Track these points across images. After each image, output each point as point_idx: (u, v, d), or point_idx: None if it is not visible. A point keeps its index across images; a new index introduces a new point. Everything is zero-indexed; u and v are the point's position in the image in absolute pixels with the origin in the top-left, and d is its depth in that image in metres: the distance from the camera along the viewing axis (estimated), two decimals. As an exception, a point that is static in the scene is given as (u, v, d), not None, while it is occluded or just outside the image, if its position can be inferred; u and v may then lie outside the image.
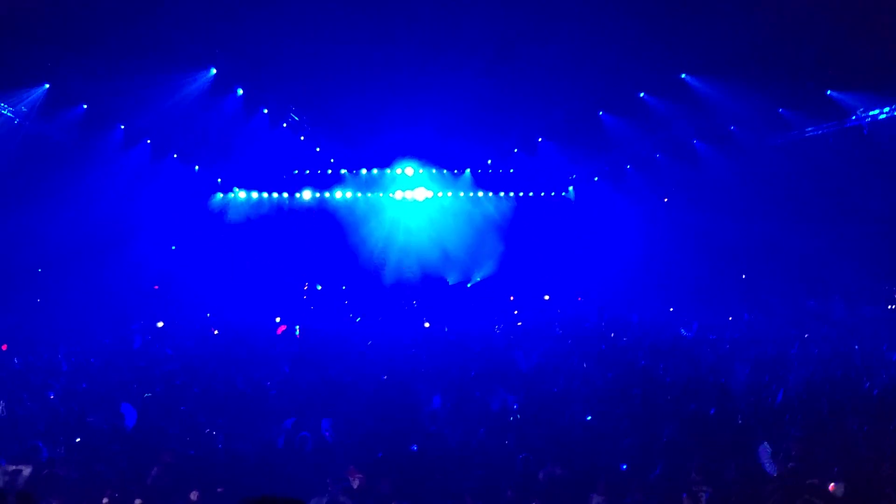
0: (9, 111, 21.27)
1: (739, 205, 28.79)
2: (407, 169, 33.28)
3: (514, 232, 35.27)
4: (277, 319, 27.78)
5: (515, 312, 30.77)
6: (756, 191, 27.82)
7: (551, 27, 19.20)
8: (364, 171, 33.83)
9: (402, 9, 18.34)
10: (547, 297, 33.81)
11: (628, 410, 13.65)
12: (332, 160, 33.09)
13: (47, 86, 21.51)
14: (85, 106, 23.30)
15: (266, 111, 26.13)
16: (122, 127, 25.87)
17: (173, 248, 32.55)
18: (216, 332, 25.48)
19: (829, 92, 22.53)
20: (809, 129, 25.01)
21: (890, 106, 22.14)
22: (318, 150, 31.54)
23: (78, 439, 12.07)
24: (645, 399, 14.43)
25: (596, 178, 35.30)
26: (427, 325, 27.43)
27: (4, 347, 20.43)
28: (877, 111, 22.55)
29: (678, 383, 16.06)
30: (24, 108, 21.69)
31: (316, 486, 9.95)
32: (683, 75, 22.52)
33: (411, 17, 18.78)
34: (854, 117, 23.07)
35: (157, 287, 31.84)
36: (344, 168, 33.62)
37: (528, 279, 34.70)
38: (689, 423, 12.54)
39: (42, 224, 24.67)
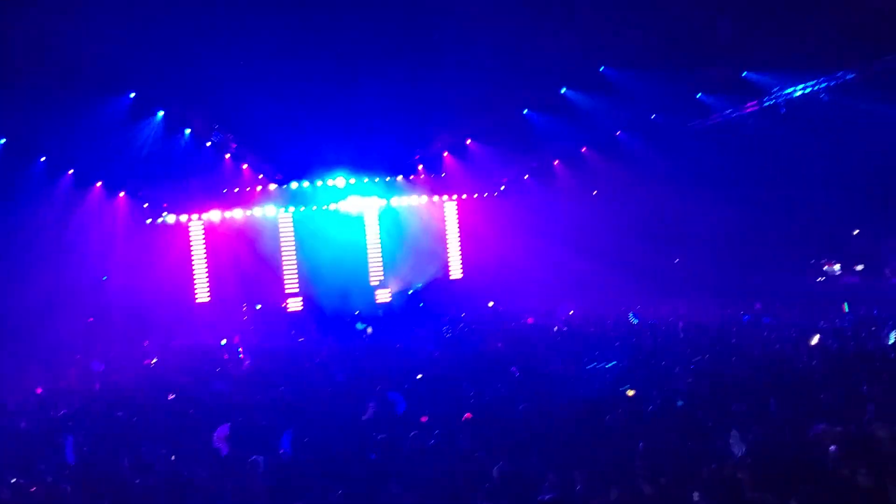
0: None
1: (667, 191, 29.19)
2: (338, 180, 33.15)
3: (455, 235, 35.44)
4: (224, 342, 27.43)
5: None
6: (682, 176, 28.24)
7: (470, 27, 19.26)
8: (294, 184, 33.49)
9: (321, 17, 18.28)
10: (491, 304, 33.86)
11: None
12: (259, 176, 32.75)
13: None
14: (3, 140, 22.72)
15: (189, 131, 25.78)
16: (43, 159, 25.23)
17: (104, 278, 31.81)
18: (154, 361, 25.03)
19: (744, 73, 23.11)
20: (728, 111, 25.59)
21: (804, 83, 22.79)
22: (245, 166, 31.29)
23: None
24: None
25: (526, 177, 35.55)
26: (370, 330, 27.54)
27: None
28: (791, 89, 23.22)
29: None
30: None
31: None
32: (602, 68, 22.84)
33: (331, 25, 18.72)
34: (770, 96, 23.70)
35: (91, 320, 31.08)
36: (273, 184, 33.27)
37: (478, 282, 34.95)
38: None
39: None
